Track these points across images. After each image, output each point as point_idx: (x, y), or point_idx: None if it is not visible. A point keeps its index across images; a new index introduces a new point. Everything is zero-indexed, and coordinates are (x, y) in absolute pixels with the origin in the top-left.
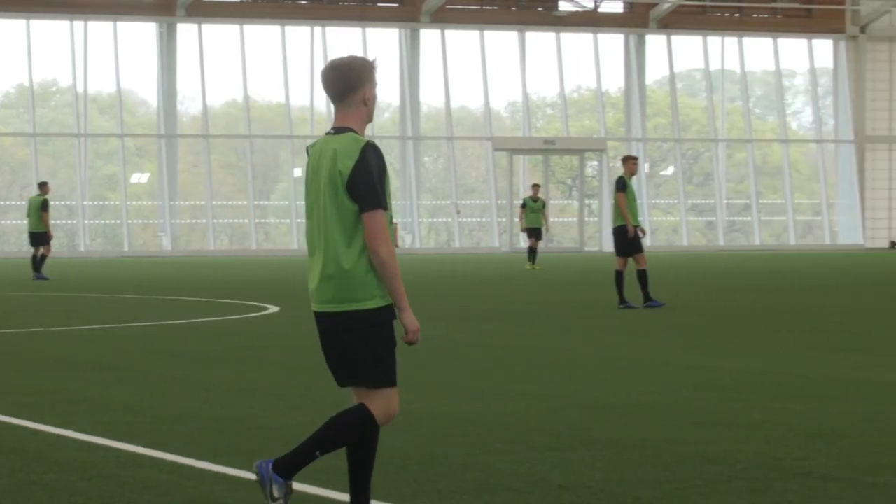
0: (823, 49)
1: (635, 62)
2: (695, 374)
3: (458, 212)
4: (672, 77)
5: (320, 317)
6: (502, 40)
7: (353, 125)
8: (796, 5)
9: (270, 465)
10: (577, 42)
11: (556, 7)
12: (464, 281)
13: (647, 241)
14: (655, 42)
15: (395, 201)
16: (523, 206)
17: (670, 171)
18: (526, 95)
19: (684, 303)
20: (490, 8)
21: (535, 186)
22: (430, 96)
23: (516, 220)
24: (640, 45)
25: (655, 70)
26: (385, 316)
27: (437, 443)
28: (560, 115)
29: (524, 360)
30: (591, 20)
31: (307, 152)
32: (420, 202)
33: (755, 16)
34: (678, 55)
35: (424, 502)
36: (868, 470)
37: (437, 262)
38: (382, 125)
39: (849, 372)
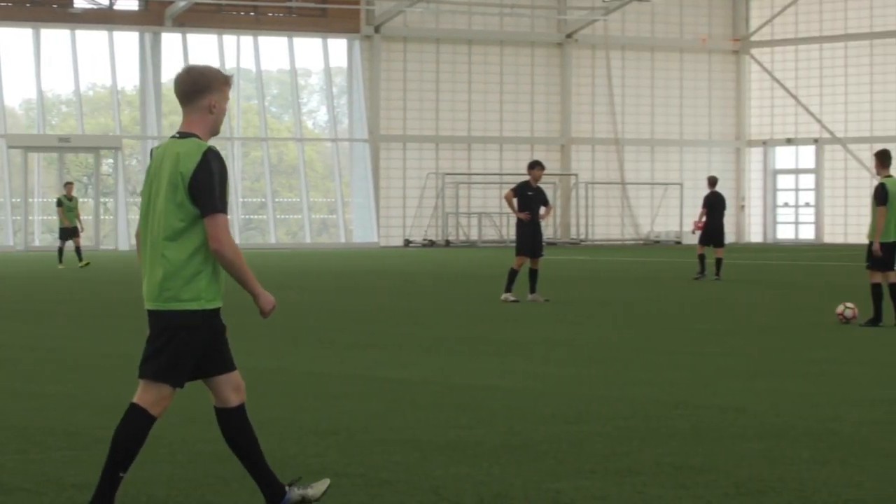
0: (338, 49)
1: (150, 60)
2: None
3: None
4: None
5: (150, 314)
6: (16, 36)
7: (196, 131)
8: (311, 5)
9: None
10: (93, 39)
11: (71, 4)
12: None
13: None
14: (171, 40)
15: None
16: (59, 204)
17: None
18: (41, 93)
19: None
20: (4, 4)
21: (69, 185)
22: None
23: (50, 217)
24: (156, 43)
25: (171, 68)
26: (200, 319)
27: None
28: (76, 113)
29: (37, 360)
30: (107, 18)
31: (151, 154)
32: None
33: (271, 15)
34: (194, 54)
35: None
36: (380, 466)
37: None
38: None
39: (361, 370)
